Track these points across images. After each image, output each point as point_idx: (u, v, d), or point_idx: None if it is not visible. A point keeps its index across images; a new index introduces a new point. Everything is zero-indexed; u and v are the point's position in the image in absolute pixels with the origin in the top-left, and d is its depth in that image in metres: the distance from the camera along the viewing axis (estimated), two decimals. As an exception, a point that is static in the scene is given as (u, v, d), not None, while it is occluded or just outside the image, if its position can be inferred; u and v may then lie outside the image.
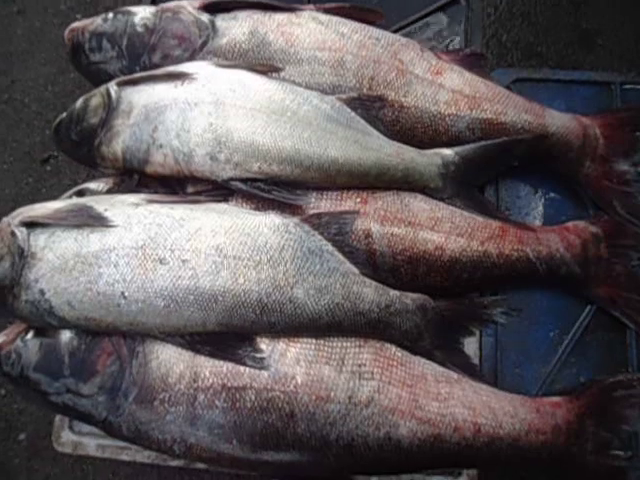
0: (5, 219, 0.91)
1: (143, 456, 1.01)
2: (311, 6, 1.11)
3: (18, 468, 1.40)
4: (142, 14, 1.05)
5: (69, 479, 1.38)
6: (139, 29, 1.03)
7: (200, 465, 0.97)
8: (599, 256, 1.00)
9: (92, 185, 1.00)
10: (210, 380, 0.83)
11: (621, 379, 0.94)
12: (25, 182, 1.67)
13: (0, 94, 1.77)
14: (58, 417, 1.05)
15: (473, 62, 1.09)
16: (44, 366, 0.87)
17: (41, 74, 1.77)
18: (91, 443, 1.03)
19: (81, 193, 0.99)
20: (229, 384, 0.83)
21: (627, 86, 1.15)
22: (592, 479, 0.91)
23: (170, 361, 0.85)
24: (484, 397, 0.90)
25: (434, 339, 0.93)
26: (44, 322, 0.86)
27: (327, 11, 1.08)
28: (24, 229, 0.86)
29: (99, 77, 1.05)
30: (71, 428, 1.04)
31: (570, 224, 1.03)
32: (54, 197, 0.99)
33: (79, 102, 1.00)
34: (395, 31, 1.22)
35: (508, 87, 1.13)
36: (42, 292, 0.83)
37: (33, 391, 0.88)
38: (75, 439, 1.04)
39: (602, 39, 1.57)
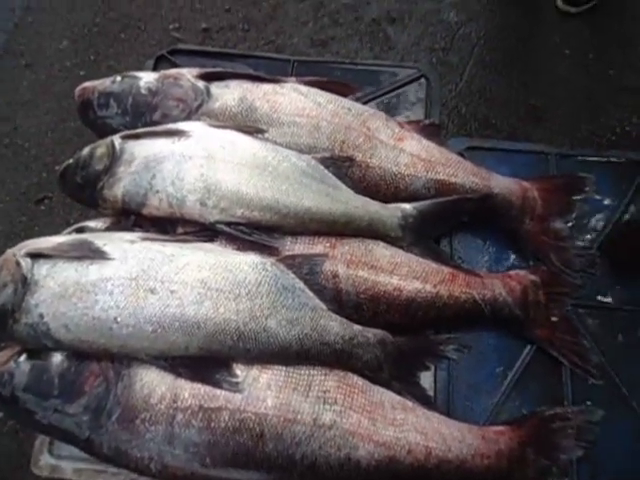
0: (10, 250, 1.00)
1: (118, 479, 1.06)
2: (293, 78, 1.28)
3: (-13, 500, 1.40)
4: (146, 79, 1.20)
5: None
6: (143, 91, 1.18)
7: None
8: (537, 301, 1.12)
9: (91, 223, 1.11)
10: (189, 401, 0.91)
11: (558, 412, 1.03)
12: (19, 220, 1.76)
13: (2, 138, 1.89)
14: (38, 441, 1.10)
15: (431, 131, 1.26)
16: (34, 387, 0.93)
17: (43, 122, 1.91)
18: (68, 467, 1.07)
19: (81, 230, 1.09)
20: (206, 405, 0.91)
21: (562, 156, 1.33)
22: (534, 504, 1.00)
23: (153, 383, 0.92)
24: (435, 424, 0.98)
25: (392, 370, 1.03)
26: (40, 344, 0.93)
27: (307, 83, 1.25)
28: (29, 259, 0.96)
29: (104, 130, 1.19)
30: (50, 452, 1.08)
31: (512, 272, 1.16)
32: (46, 235, 1.06)
33: (85, 151, 1.12)
34: (366, 102, 1.41)
35: (461, 153, 1.30)
36: (41, 316, 0.91)
37: (22, 411, 0.94)
38: (53, 462, 1.08)
39: (546, 115, 1.80)
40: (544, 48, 1.95)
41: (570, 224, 1.21)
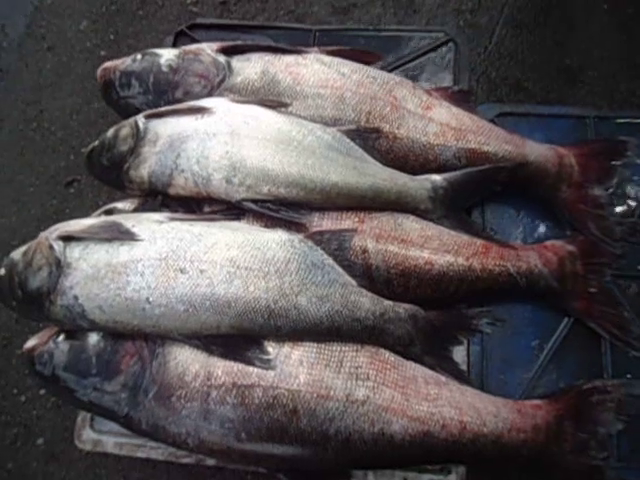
0: (43, 234, 1.02)
1: (157, 453, 1.09)
2: (315, 49, 1.25)
3: (35, 471, 1.47)
4: (167, 56, 1.18)
5: (82, 483, 1.45)
6: (164, 69, 1.17)
7: (210, 462, 1.06)
8: (575, 272, 1.09)
9: (119, 205, 1.12)
10: (222, 379, 0.92)
11: (597, 385, 1.00)
12: (50, 204, 1.78)
13: (29, 122, 1.91)
14: (80, 417, 1.14)
15: (460, 98, 1.21)
16: (73, 366, 0.96)
17: (67, 104, 1.91)
18: (109, 441, 1.11)
19: (110, 212, 1.10)
20: (239, 382, 0.92)
21: (600, 119, 1.26)
22: (572, 477, 0.98)
23: (187, 361, 0.94)
24: (469, 398, 0.97)
25: (424, 345, 1.02)
26: (76, 325, 0.96)
27: (330, 53, 1.22)
28: (61, 242, 0.97)
29: (127, 110, 1.18)
30: (92, 427, 1.12)
31: (548, 243, 1.12)
32: (77, 217, 1.07)
33: (110, 132, 1.12)
34: (392, 70, 1.35)
35: (493, 120, 1.25)
36: (76, 297, 0.93)
37: (62, 389, 0.97)
38: (95, 437, 1.12)
39: (583, 76, 1.70)
40: (579, 3, 1.83)
41: (610, 191, 1.16)
